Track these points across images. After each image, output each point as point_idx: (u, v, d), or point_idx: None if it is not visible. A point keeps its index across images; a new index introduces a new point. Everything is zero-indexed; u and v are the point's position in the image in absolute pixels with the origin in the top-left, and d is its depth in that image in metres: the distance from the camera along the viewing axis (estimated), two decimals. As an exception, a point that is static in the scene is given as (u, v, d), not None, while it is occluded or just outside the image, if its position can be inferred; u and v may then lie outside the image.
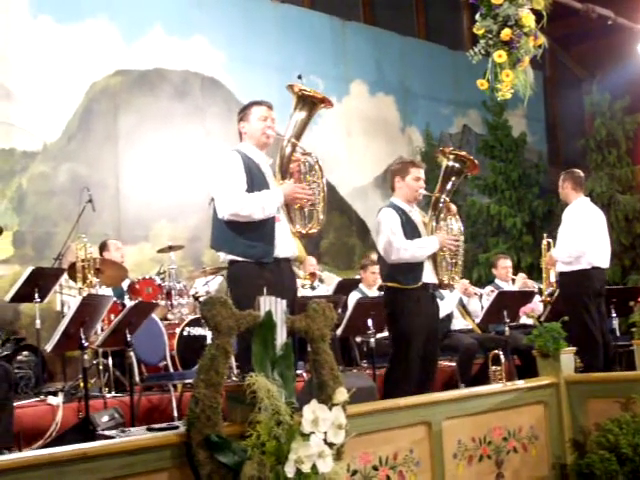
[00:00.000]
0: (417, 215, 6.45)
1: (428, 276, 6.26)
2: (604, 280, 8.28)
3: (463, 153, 6.60)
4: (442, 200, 6.38)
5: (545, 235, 8.91)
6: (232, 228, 5.11)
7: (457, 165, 6.44)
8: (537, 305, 9.08)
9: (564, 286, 8.20)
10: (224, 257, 5.21)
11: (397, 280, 6.22)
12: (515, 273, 9.91)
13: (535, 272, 11.33)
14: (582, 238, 7.94)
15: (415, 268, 6.19)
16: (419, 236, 6.29)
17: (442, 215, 6.39)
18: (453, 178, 6.44)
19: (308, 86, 5.45)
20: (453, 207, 6.44)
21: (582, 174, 8.37)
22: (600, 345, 7.89)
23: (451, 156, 6.45)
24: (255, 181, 5.16)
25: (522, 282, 9.65)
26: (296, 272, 5.92)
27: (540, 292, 9.17)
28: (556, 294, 8.78)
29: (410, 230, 6.26)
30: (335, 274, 10.76)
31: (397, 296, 6.23)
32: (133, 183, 10.29)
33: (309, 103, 5.40)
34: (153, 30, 10.65)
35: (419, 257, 6.18)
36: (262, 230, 5.11)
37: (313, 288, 9.27)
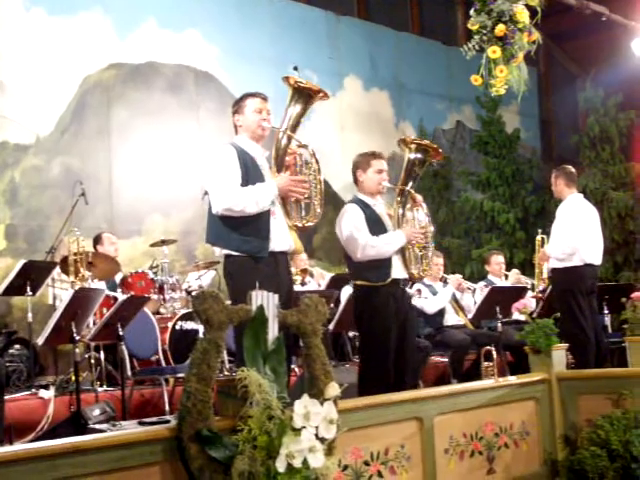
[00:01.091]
0: (382, 208, 6.24)
1: (398, 271, 6.02)
2: (596, 277, 8.29)
3: (425, 142, 6.38)
4: (406, 191, 6.17)
5: (539, 231, 8.92)
6: (227, 223, 5.07)
7: (419, 155, 6.20)
8: (530, 301, 9.10)
9: (556, 282, 8.21)
10: (219, 252, 5.18)
11: (366, 278, 5.98)
12: (508, 269, 9.92)
13: (528, 268, 11.36)
14: (576, 235, 7.95)
15: (383, 264, 5.96)
16: (384, 230, 6.07)
17: (408, 206, 6.17)
18: (416, 168, 6.21)
19: (304, 78, 5.41)
20: (419, 197, 6.21)
21: (574, 170, 8.37)
22: (592, 341, 7.90)
23: (413, 146, 6.22)
24: (251, 175, 5.12)
25: (515, 278, 9.67)
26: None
27: (532, 288, 9.19)
28: (548, 290, 8.81)
29: (375, 225, 6.05)
30: (328, 269, 10.77)
31: (367, 294, 5.99)
32: (126, 177, 10.28)
33: (305, 95, 5.34)
34: (147, 23, 10.63)
35: (386, 253, 5.96)
36: (257, 224, 5.07)
37: (303, 284, 9.27)
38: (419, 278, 6.42)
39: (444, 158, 13.72)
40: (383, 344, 5.91)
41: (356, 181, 6.31)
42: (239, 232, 5.05)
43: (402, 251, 6.06)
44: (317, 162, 5.32)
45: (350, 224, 6.02)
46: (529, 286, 9.36)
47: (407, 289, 6.29)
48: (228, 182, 5.04)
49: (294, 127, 5.33)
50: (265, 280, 4.73)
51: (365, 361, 6.09)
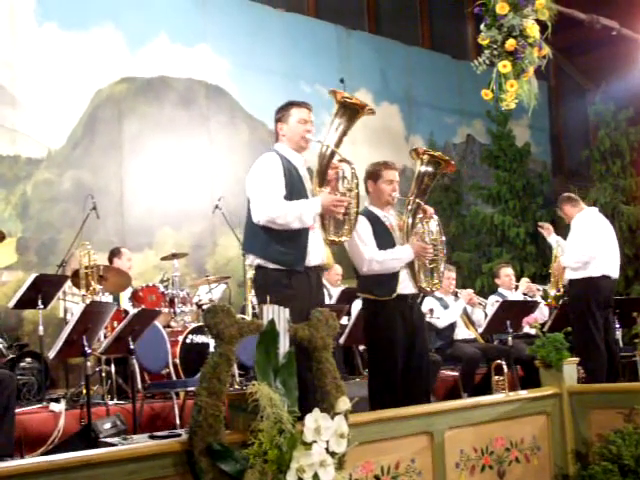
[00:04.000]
0: (392, 220, 6.12)
1: (405, 286, 5.91)
2: (613, 290, 8.26)
3: (437, 153, 6.23)
4: (416, 203, 6.04)
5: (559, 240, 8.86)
6: (267, 233, 5.02)
7: (430, 167, 6.09)
8: (543, 310, 9.09)
9: (573, 293, 8.18)
10: (252, 260, 5.12)
11: (372, 292, 5.90)
12: (517, 280, 9.89)
13: (538, 282, 11.34)
14: (591, 244, 7.95)
15: (389, 279, 5.86)
16: (392, 244, 5.95)
17: (419, 218, 6.06)
18: (427, 179, 6.10)
19: (348, 93, 5.39)
20: (429, 209, 6.10)
21: (572, 194, 8.53)
22: (603, 355, 7.87)
23: (424, 157, 6.11)
24: (294, 185, 5.10)
25: (526, 286, 9.64)
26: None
27: (545, 296, 9.14)
28: (562, 302, 8.79)
29: (383, 238, 5.94)
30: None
31: (373, 308, 5.91)
32: (137, 190, 10.31)
33: (351, 110, 5.31)
34: (158, 38, 10.69)
35: (392, 268, 5.86)
36: (296, 238, 5.04)
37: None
38: (430, 292, 6.36)
39: (455, 172, 13.75)
40: (389, 359, 5.81)
41: (367, 191, 6.21)
42: (278, 244, 5.00)
43: (411, 265, 5.94)
44: (356, 177, 5.29)
45: (357, 237, 5.86)
46: (541, 293, 9.33)
47: (417, 305, 6.17)
48: (273, 193, 5.00)
49: (338, 142, 5.30)
50: (297, 295, 4.79)
51: (372, 375, 6.01)
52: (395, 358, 5.81)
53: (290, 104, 5.30)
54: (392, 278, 5.88)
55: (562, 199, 8.51)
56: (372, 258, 5.85)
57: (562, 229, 8.55)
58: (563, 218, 8.62)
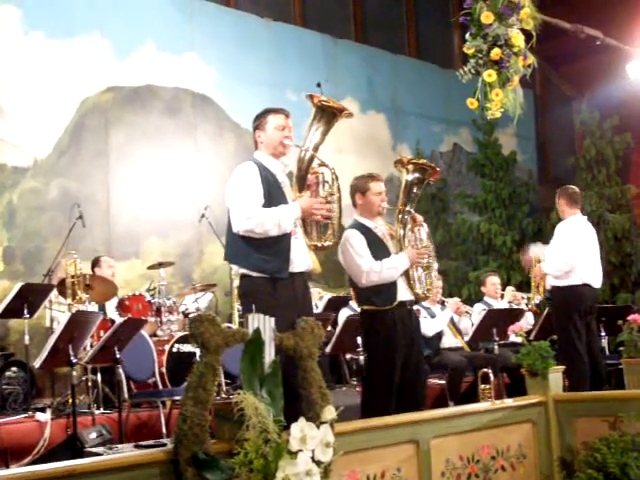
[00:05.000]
0: (383, 229, 6.19)
1: (403, 293, 5.99)
2: (595, 299, 8.28)
3: (422, 161, 6.36)
4: (406, 212, 6.11)
5: None
6: (247, 242, 5.00)
7: (417, 174, 6.15)
8: (527, 318, 9.11)
9: (554, 300, 8.21)
10: (236, 270, 5.16)
11: (372, 302, 5.95)
12: (503, 288, 9.92)
13: (525, 290, 11.37)
14: (572, 253, 7.96)
15: (389, 288, 5.93)
16: (387, 253, 6.02)
17: (409, 227, 6.12)
18: (415, 188, 6.16)
19: (326, 97, 5.35)
20: (419, 217, 6.17)
21: (577, 190, 8.40)
22: (585, 363, 7.89)
23: (410, 166, 6.17)
24: (272, 192, 5.08)
25: (511, 295, 9.67)
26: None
27: (528, 302, 9.17)
28: (546, 311, 8.81)
29: (377, 248, 6.01)
30: (325, 292, 10.77)
31: (374, 318, 5.95)
32: (124, 199, 10.30)
33: (328, 114, 5.30)
34: (144, 46, 10.69)
35: (390, 278, 5.93)
36: (278, 245, 5.02)
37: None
38: (424, 298, 6.40)
39: (441, 180, 13.78)
40: (388, 368, 5.88)
41: (355, 204, 6.25)
42: (259, 252, 4.98)
43: (406, 272, 6.02)
44: (337, 181, 5.27)
45: (353, 250, 5.97)
46: (525, 301, 9.36)
47: (414, 312, 6.23)
48: (250, 202, 4.97)
49: (317, 146, 5.29)
50: (282, 302, 4.80)
51: (369, 384, 6.06)
52: (394, 367, 5.88)
53: (266, 111, 5.28)
54: (391, 286, 5.95)
55: (563, 192, 8.33)
56: (370, 269, 5.91)
57: (549, 237, 8.55)
58: (549, 226, 8.64)
